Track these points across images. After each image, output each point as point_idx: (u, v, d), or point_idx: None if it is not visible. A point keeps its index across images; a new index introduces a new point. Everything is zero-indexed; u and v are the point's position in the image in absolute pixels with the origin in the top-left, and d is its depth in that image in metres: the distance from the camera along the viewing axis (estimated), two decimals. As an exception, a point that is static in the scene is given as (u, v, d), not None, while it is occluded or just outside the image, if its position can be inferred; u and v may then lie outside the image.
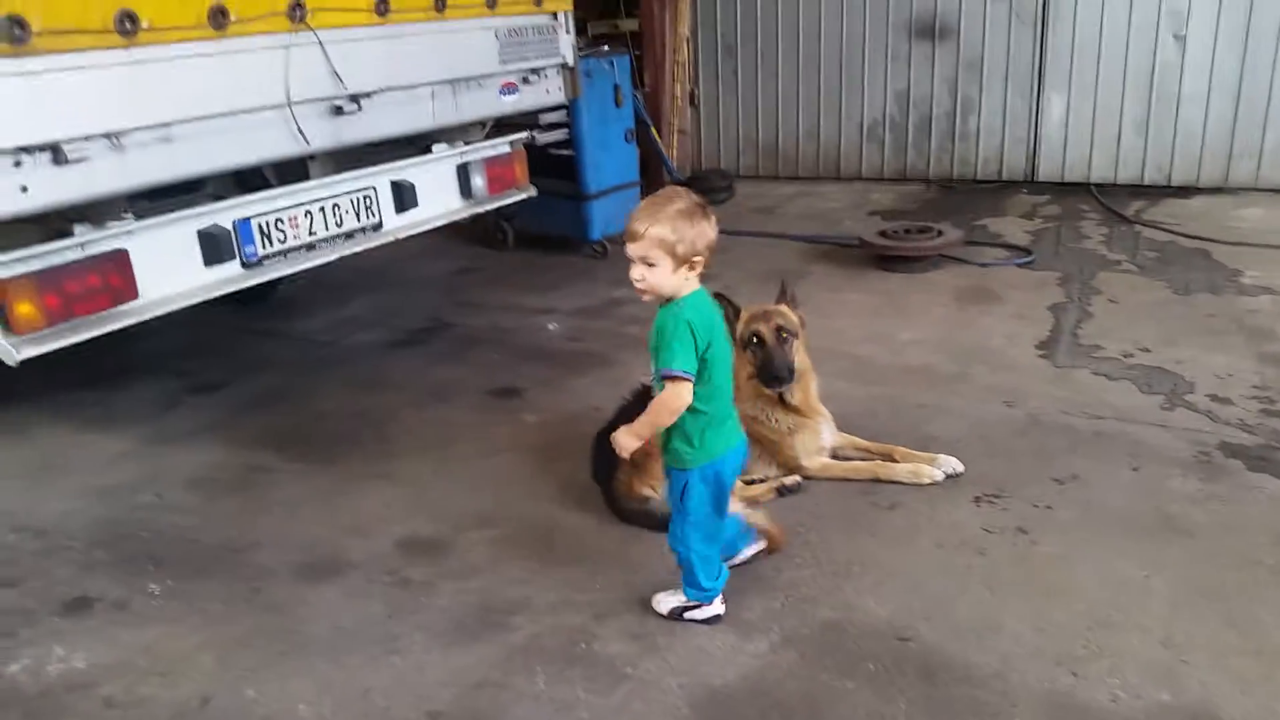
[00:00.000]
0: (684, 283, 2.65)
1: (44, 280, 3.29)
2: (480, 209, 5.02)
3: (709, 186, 8.59)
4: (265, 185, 4.27)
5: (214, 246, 3.74)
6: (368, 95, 3.98)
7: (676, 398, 2.66)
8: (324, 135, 3.88)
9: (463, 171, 4.84)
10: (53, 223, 3.38)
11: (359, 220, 4.33)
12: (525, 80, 4.82)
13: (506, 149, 5.05)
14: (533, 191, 5.26)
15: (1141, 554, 3.19)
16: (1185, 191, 7.75)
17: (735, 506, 3.45)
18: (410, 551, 3.49)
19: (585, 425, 3.91)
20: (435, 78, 4.33)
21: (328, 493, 3.97)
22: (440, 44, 4.31)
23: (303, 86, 3.74)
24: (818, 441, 3.82)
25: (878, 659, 2.77)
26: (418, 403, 4.80)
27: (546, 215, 6.97)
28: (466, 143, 4.86)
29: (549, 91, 5.00)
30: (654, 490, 3.47)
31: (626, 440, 2.82)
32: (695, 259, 2.62)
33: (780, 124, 9.21)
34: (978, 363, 4.84)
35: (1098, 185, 8.05)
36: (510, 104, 4.79)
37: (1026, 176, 8.36)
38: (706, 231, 2.63)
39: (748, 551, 3.22)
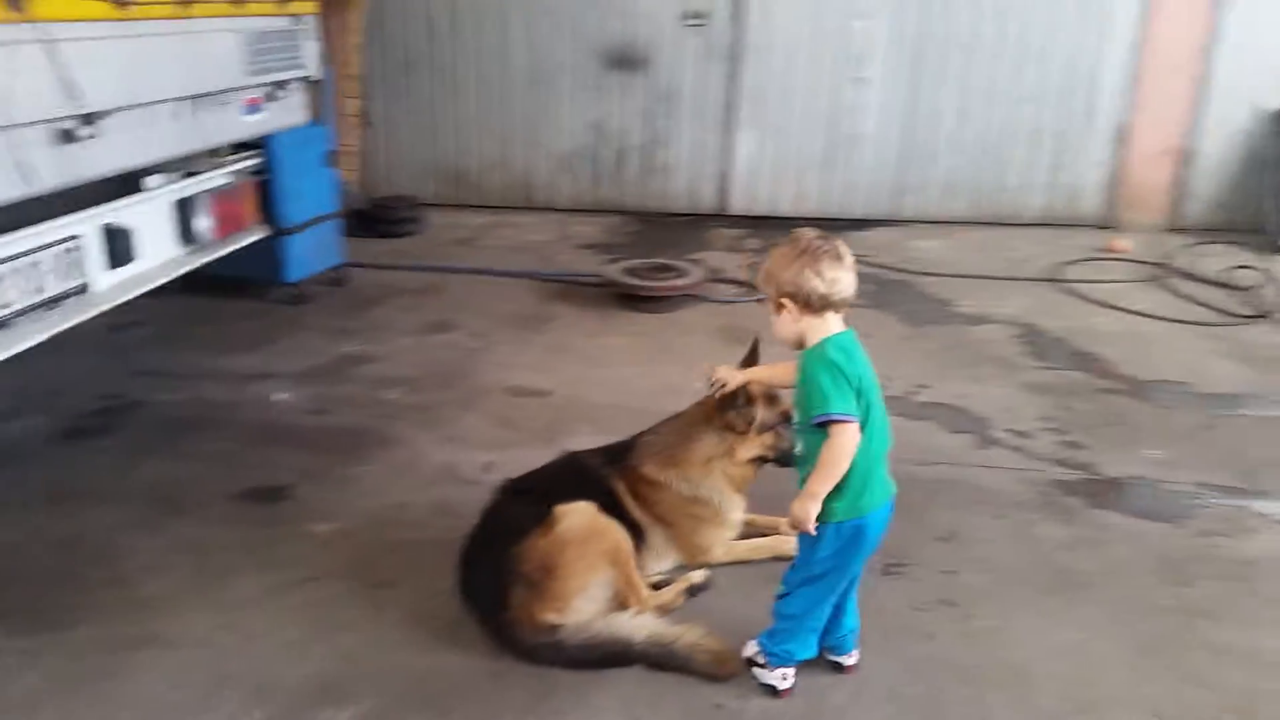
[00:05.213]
0: (810, 328, 2.53)
1: None
2: (206, 258, 3.90)
3: (394, 217, 7.76)
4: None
5: None
6: (106, 114, 2.82)
7: (849, 440, 2.46)
8: (53, 170, 2.68)
9: (183, 209, 3.71)
10: None
11: (62, 282, 3.10)
12: (270, 96, 3.79)
13: (233, 180, 3.97)
14: (265, 232, 4.21)
15: (1064, 614, 3.12)
16: (863, 224, 8.24)
17: (643, 621, 2.88)
18: (245, 757, 2.49)
19: (400, 531, 3.12)
20: (179, 91, 3.24)
21: (80, 678, 2.76)
22: (185, 48, 3.24)
23: (23, 103, 2.55)
24: (739, 528, 3.35)
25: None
26: (143, 519, 3.57)
27: (228, 254, 5.74)
28: (188, 175, 3.74)
29: (292, 110, 4.00)
30: (561, 613, 2.78)
31: (809, 508, 2.50)
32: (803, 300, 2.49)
33: (467, 149, 8.54)
34: (788, 411, 4.60)
35: (786, 219, 8.31)
36: (254, 124, 3.76)
37: (718, 210, 8.44)
38: (807, 273, 2.47)
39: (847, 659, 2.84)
